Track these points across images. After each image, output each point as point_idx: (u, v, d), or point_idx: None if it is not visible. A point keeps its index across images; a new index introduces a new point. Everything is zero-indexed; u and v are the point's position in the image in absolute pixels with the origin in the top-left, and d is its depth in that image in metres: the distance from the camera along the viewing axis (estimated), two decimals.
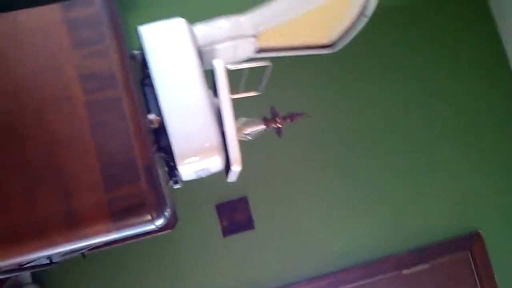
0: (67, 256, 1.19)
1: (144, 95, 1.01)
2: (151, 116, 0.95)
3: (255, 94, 1.27)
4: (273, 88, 1.72)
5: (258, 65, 1.07)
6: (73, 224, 0.83)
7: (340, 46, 1.27)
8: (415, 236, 2.07)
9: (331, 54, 1.32)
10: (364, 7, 1.14)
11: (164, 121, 0.95)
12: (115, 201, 0.84)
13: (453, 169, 2.12)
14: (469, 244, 2.09)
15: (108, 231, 0.85)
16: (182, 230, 1.92)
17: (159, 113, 0.96)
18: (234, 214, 1.98)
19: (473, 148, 2.14)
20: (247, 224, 1.98)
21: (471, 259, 2.10)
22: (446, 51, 2.20)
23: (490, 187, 2.14)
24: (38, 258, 0.91)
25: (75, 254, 1.14)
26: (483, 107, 2.18)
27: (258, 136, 1.27)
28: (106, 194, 0.83)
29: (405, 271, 2.05)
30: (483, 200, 2.12)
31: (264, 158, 2.01)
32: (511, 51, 2.25)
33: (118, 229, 0.85)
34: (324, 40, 1.26)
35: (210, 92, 1.05)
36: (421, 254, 2.05)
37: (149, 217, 0.86)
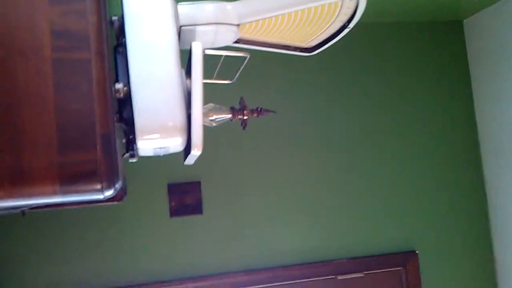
0: (5, 212, 1.15)
1: (116, 63, 0.99)
2: (119, 85, 0.93)
3: (228, 82, 1.27)
4: (246, 79, 1.72)
5: (236, 55, 1.07)
6: (19, 181, 0.81)
7: (318, 51, 1.29)
8: (356, 246, 2.14)
9: (308, 56, 1.34)
10: (349, 19, 1.16)
11: (131, 92, 0.93)
12: (66, 165, 0.82)
13: (398, 191, 2.20)
14: (404, 261, 2.18)
15: (54, 193, 0.83)
16: (130, 203, 1.90)
17: (127, 83, 0.95)
18: (185, 197, 1.98)
19: (421, 173, 2.23)
20: (196, 208, 1.98)
21: (403, 276, 2.19)
22: (418, 73, 2.27)
23: (431, 210, 2.24)
24: None
25: (15, 211, 1.11)
26: (435, 131, 2.27)
27: (223, 124, 1.27)
28: (58, 157, 0.81)
29: (340, 277, 2.11)
30: (423, 221, 2.22)
31: (225, 147, 2.02)
32: (477, 91, 2.35)
33: (64, 193, 0.83)
34: (304, 44, 1.27)
35: (183, 72, 1.04)
36: (358, 263, 2.13)
37: (98, 186, 0.85)
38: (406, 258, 2.18)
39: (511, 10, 2.12)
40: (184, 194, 1.97)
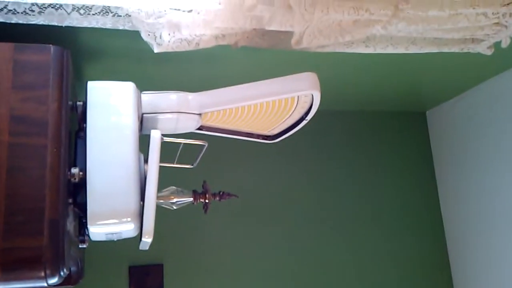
0: None
1: (75, 148, 1.01)
2: (74, 170, 0.94)
3: (189, 167, 1.29)
4: (212, 163, 1.74)
5: (195, 143, 1.10)
6: None
7: (279, 140, 1.34)
8: None
9: (270, 144, 1.38)
10: (306, 111, 1.22)
11: (86, 177, 0.94)
12: (10, 251, 0.80)
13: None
14: None
15: None
16: (86, 287, 1.82)
17: (84, 168, 0.96)
18: (146, 280, 1.91)
19: (386, 274, 2.21)
20: None
21: None
22: (384, 163, 2.34)
23: None
24: None
25: None
26: (398, 224, 2.29)
27: (187, 207, 1.27)
28: (2, 242, 0.80)
29: None
30: None
31: (188, 230, 1.98)
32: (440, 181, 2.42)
33: (6, 280, 0.81)
34: (266, 132, 1.33)
35: (142, 158, 1.06)
36: None
37: (42, 274, 0.83)
38: None
39: (467, 104, 2.25)
40: (145, 276, 1.90)
